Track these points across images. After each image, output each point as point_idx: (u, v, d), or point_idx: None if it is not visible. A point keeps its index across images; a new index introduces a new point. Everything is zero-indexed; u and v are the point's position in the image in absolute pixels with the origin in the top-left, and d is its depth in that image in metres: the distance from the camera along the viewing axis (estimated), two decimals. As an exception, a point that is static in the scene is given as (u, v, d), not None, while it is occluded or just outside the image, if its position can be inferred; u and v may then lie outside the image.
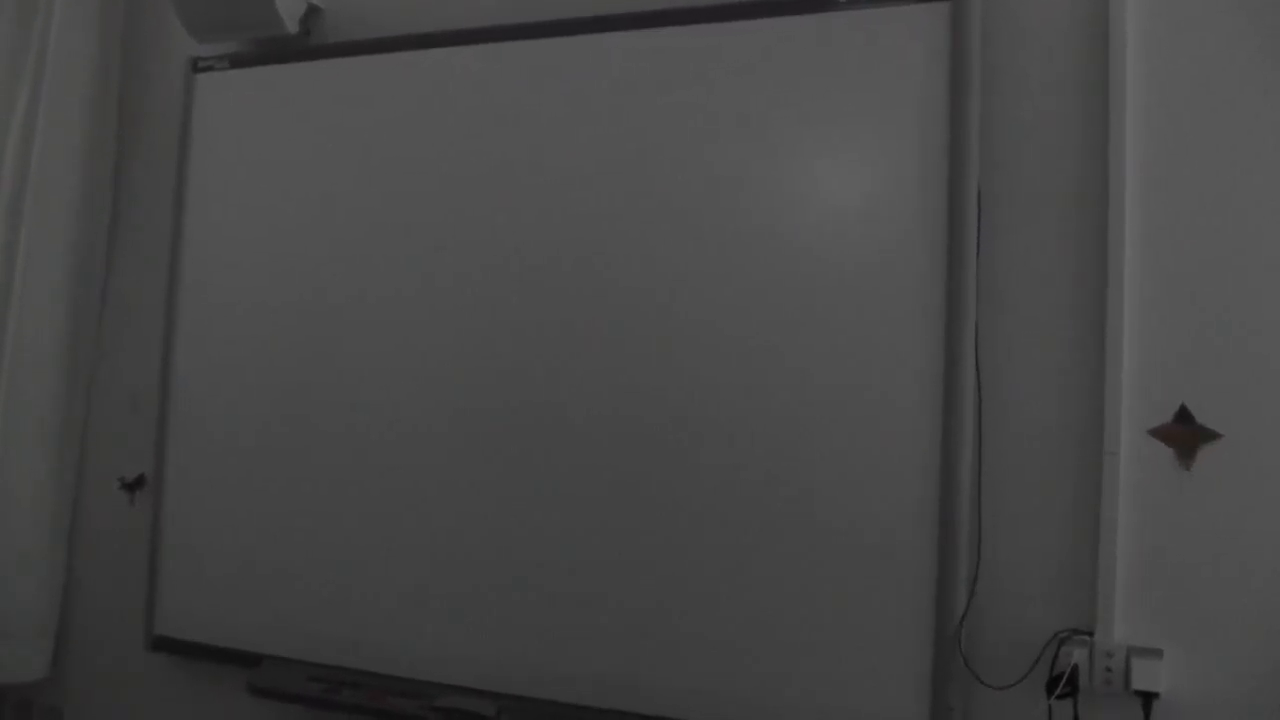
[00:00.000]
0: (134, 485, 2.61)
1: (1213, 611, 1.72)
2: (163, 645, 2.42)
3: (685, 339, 2.00)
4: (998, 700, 1.79)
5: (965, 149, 1.83)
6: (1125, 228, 1.79)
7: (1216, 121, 1.77)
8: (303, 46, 2.48)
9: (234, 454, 2.38)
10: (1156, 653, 1.73)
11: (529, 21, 2.18)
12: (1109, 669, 1.74)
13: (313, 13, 2.49)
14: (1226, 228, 1.76)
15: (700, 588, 1.95)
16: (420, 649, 2.15)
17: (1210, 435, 1.74)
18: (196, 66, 2.51)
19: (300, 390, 2.32)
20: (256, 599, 2.32)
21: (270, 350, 2.37)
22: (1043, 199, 1.88)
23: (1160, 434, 1.77)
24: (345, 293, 2.30)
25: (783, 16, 1.98)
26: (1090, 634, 1.76)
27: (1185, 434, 1.75)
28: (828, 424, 1.89)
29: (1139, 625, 1.75)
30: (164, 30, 2.65)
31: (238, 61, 2.49)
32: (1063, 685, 1.74)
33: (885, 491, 1.84)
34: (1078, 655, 1.75)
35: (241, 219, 2.44)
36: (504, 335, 2.15)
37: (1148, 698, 1.71)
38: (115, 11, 2.70)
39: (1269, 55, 1.75)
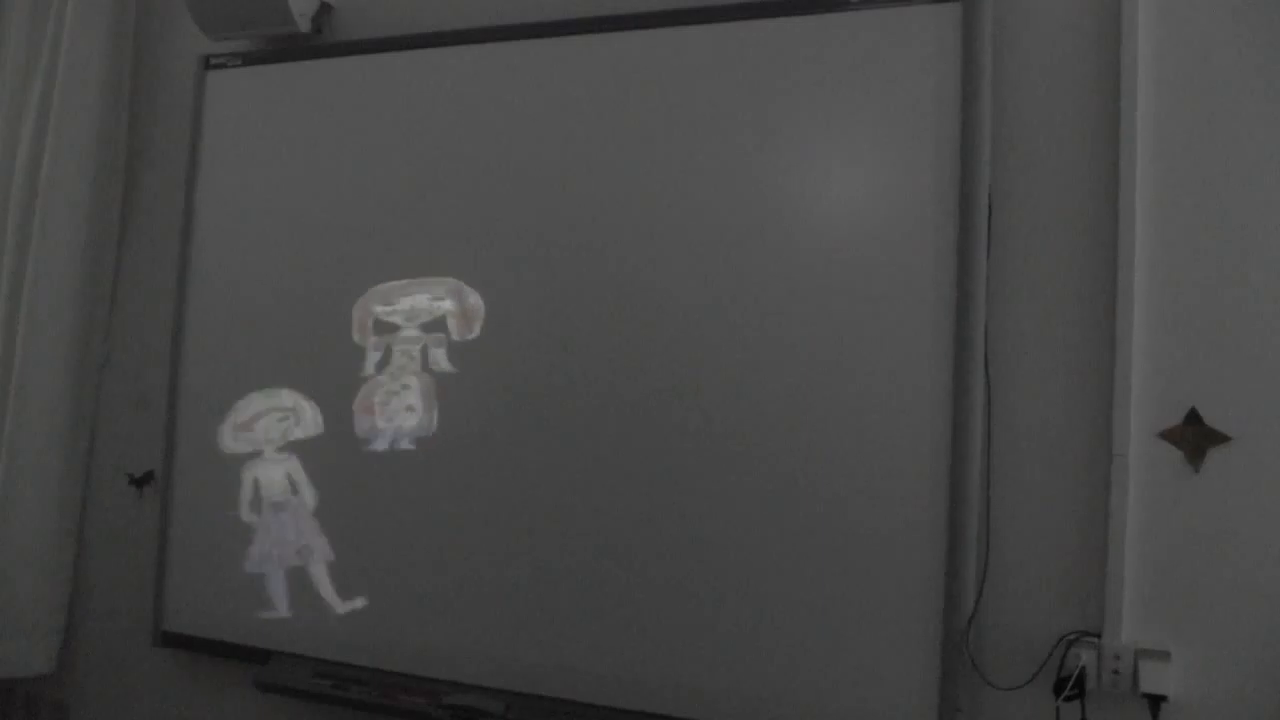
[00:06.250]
0: (142, 481, 2.61)
1: (1221, 614, 1.72)
2: (170, 641, 2.43)
3: (693, 339, 2.00)
4: (1005, 702, 1.80)
5: (976, 149, 1.83)
6: (1136, 229, 1.79)
7: (1229, 121, 1.77)
8: (315, 44, 2.48)
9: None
10: (1164, 655, 1.73)
11: (543, 20, 2.19)
12: (1117, 671, 1.74)
13: (325, 11, 2.49)
14: (1238, 228, 1.76)
15: (706, 587, 1.95)
16: (428, 646, 2.15)
17: (1219, 438, 1.74)
18: (208, 64, 2.52)
19: (308, 387, 2.32)
20: (264, 595, 2.32)
21: (278, 346, 2.37)
22: (1054, 200, 1.88)
23: (1169, 436, 1.77)
24: (355, 290, 2.30)
25: (794, 16, 1.99)
26: (1098, 636, 1.76)
27: (1194, 436, 1.75)
28: (836, 425, 1.89)
29: (1147, 627, 1.75)
30: (176, 27, 2.66)
31: (250, 59, 2.50)
32: (1070, 687, 1.74)
33: (893, 492, 1.84)
34: (1085, 657, 1.75)
35: (252, 217, 2.44)
36: (510, 333, 2.16)
37: (1156, 700, 1.71)
38: (127, 9, 2.71)
39: (1280, 58, 1.76)
